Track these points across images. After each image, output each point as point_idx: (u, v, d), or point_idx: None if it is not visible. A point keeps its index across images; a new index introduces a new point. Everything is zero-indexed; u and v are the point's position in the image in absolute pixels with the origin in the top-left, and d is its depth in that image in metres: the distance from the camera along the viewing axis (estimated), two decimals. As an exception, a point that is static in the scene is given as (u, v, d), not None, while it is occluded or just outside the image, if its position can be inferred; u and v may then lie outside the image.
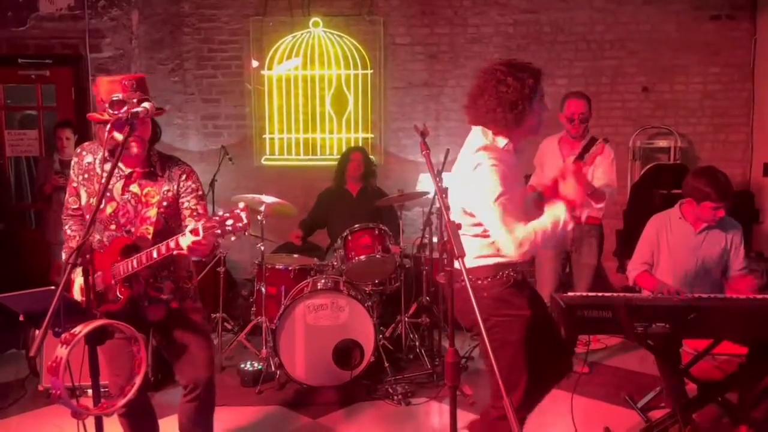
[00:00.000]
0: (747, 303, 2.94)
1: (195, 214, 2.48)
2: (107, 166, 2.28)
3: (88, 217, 2.44)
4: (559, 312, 2.98)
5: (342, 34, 5.95)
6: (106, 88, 2.35)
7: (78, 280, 2.41)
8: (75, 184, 2.53)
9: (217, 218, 2.14)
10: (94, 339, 1.99)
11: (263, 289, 4.36)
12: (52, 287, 1.86)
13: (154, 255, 2.28)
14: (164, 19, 5.95)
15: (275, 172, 6.02)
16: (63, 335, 1.89)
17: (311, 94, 6.03)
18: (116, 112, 2.26)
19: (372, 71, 5.97)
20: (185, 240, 2.19)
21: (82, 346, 1.98)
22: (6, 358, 4.61)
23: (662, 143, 5.86)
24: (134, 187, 2.47)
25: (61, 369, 1.85)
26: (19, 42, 5.70)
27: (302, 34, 5.95)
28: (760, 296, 3.09)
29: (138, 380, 2.09)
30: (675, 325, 2.78)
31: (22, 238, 5.85)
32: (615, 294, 3.27)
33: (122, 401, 2.04)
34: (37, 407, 3.76)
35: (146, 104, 2.27)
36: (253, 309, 4.53)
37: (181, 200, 2.52)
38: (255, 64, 5.97)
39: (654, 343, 3.06)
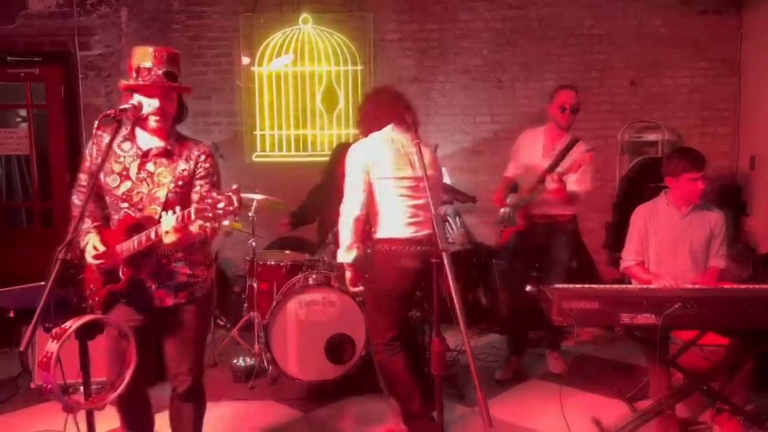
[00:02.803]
0: (734, 293, 2.98)
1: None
2: (130, 146, 2.42)
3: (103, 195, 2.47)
4: (546, 303, 3.02)
5: (332, 31, 5.96)
6: (138, 55, 2.37)
7: (90, 241, 2.37)
8: (88, 164, 2.45)
9: (209, 200, 2.07)
10: (85, 334, 2.01)
11: (255, 285, 4.37)
12: (42, 283, 1.87)
13: (143, 240, 2.25)
14: (153, 16, 5.94)
15: (266, 168, 6.02)
16: (53, 330, 1.91)
17: (301, 90, 6.04)
18: (141, 79, 2.32)
19: (362, 67, 5.98)
20: (167, 221, 2.15)
21: (74, 342, 2.00)
22: (-2, 356, 4.62)
23: (651, 137, 5.90)
24: (150, 166, 2.44)
25: (52, 364, 1.86)
26: (7, 40, 5.68)
27: (292, 30, 5.95)
28: (744, 286, 3.14)
29: (128, 374, 2.11)
30: (661, 316, 2.82)
31: (13, 236, 5.84)
32: (602, 286, 3.30)
33: (113, 395, 2.06)
34: (29, 405, 3.77)
35: (134, 101, 2.33)
36: (245, 305, 4.55)
37: (195, 182, 2.47)
38: (245, 60, 5.97)
39: (641, 335, 3.11)
